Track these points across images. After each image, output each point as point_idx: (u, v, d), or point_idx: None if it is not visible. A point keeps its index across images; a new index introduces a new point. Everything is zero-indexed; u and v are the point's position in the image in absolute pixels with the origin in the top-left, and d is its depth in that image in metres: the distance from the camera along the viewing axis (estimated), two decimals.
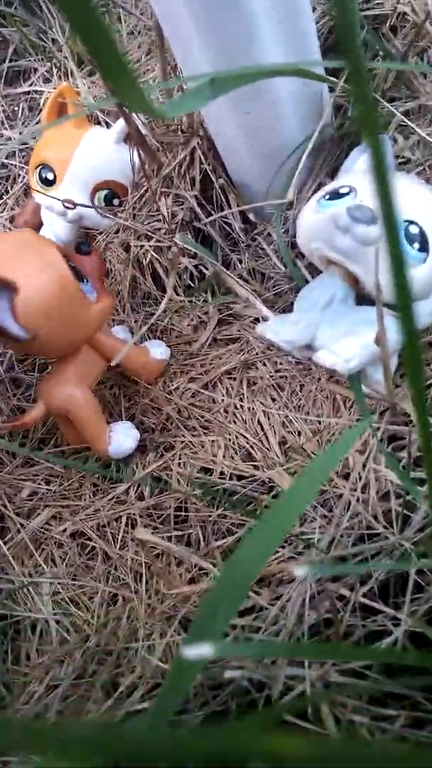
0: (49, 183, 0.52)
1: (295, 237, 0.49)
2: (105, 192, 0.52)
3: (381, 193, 0.16)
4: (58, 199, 0.51)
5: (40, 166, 0.53)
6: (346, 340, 0.39)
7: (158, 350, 0.52)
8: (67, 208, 0.51)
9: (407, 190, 0.41)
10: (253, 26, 0.38)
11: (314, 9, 0.56)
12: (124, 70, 0.20)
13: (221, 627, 0.24)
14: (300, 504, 0.25)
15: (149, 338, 0.55)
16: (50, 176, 0.52)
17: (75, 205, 0.51)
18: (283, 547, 0.44)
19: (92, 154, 0.51)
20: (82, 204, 0.51)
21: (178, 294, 0.55)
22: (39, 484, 0.55)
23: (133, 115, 0.51)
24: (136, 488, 0.52)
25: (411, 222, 0.40)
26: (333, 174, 0.51)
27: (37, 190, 0.53)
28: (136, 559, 0.48)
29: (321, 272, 0.46)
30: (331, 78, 0.46)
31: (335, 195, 0.42)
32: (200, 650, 0.17)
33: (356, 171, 0.45)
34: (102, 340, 0.50)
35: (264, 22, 0.38)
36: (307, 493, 0.25)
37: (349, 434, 0.25)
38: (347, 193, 0.42)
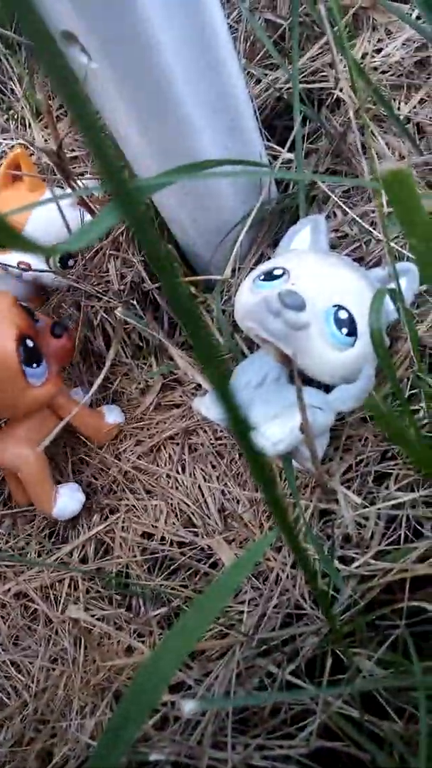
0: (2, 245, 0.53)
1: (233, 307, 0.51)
2: (58, 255, 0.54)
3: None
4: (10, 264, 0.52)
5: None
6: (275, 422, 0.41)
7: (112, 415, 0.53)
8: (23, 270, 0.52)
9: (337, 274, 0.43)
10: (187, 120, 0.39)
11: (251, 74, 0.58)
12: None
13: (146, 708, 0.25)
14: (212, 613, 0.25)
15: (101, 400, 0.56)
16: None
17: (30, 268, 0.52)
18: (218, 618, 0.45)
19: (46, 221, 0.52)
20: (38, 270, 0.53)
21: (127, 357, 0.56)
22: None
23: (80, 182, 0.52)
24: (80, 550, 0.52)
25: (340, 307, 0.41)
26: (275, 244, 0.52)
27: None
28: (76, 624, 0.49)
29: (258, 346, 0.47)
30: (267, 163, 0.47)
31: (269, 276, 0.43)
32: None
33: (292, 250, 0.46)
34: (59, 402, 0.51)
35: (198, 116, 0.40)
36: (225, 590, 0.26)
37: (258, 545, 0.26)
38: (281, 275, 0.43)
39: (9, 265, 0.54)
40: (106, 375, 0.58)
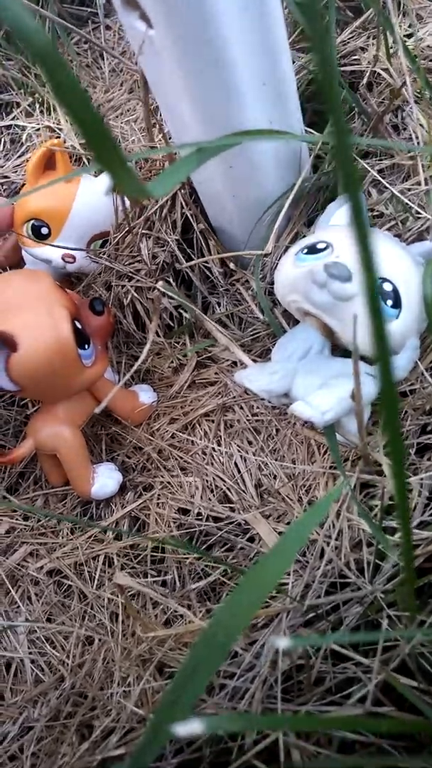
0: (42, 237, 0.53)
1: (271, 284, 0.51)
2: (98, 241, 0.54)
3: (363, 257, 0.17)
4: (59, 246, 0.52)
5: (33, 220, 0.53)
6: (322, 392, 0.41)
7: (146, 395, 0.53)
8: (68, 262, 0.52)
9: (380, 248, 0.43)
10: (238, 91, 0.40)
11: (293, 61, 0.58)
12: (122, 164, 0.21)
13: (202, 683, 0.25)
14: (283, 563, 0.26)
15: (133, 379, 0.56)
16: (44, 231, 0.53)
17: (75, 259, 0.52)
18: None
19: (88, 210, 0.53)
20: (77, 248, 0.53)
21: (159, 336, 0.56)
22: (17, 519, 0.55)
23: None
24: (114, 527, 0.52)
25: (384, 279, 0.42)
26: (309, 224, 0.52)
27: (29, 242, 0.54)
28: (112, 600, 0.49)
29: (296, 320, 0.48)
30: (310, 135, 0.48)
31: (313, 250, 0.44)
32: (191, 727, 0.18)
33: (333, 226, 0.47)
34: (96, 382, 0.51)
35: (249, 88, 0.40)
36: (289, 551, 0.26)
37: (329, 495, 0.27)
38: (324, 249, 0.43)
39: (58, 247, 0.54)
40: (137, 354, 0.59)
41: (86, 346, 0.46)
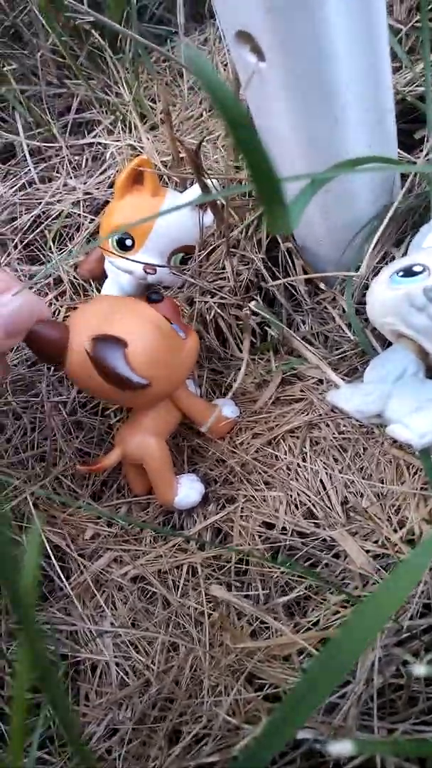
0: (126, 248, 0.55)
1: (359, 303, 0.52)
2: (180, 255, 0.55)
3: None
4: (140, 262, 0.53)
5: (117, 232, 0.55)
6: (420, 414, 0.41)
7: (229, 409, 0.54)
8: (149, 273, 0.54)
9: None
10: (343, 119, 0.41)
11: None
12: (282, 204, 0.22)
13: (314, 707, 0.26)
14: (401, 593, 0.26)
15: (214, 394, 0.57)
16: (129, 242, 0.55)
17: (155, 270, 0.53)
18: (345, 608, 0.45)
19: (172, 224, 0.54)
20: (160, 264, 0.54)
21: (241, 351, 0.57)
22: (101, 526, 0.57)
23: (208, 181, 0.54)
24: (197, 538, 0.53)
25: None
26: (398, 244, 0.53)
27: (113, 254, 0.56)
28: (196, 608, 0.50)
29: (386, 340, 0.48)
30: (409, 162, 0.49)
31: (409, 273, 0.44)
32: (343, 748, 0.19)
33: (428, 248, 0.47)
34: (178, 394, 0.52)
35: (353, 116, 0.41)
36: (407, 582, 0.27)
37: None
38: (421, 272, 0.44)
39: (137, 262, 0.56)
40: (218, 369, 0.60)
41: (171, 323, 0.48)
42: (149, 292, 0.51)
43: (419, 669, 0.22)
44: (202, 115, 0.77)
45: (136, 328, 0.46)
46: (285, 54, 0.37)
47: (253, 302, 0.49)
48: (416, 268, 0.44)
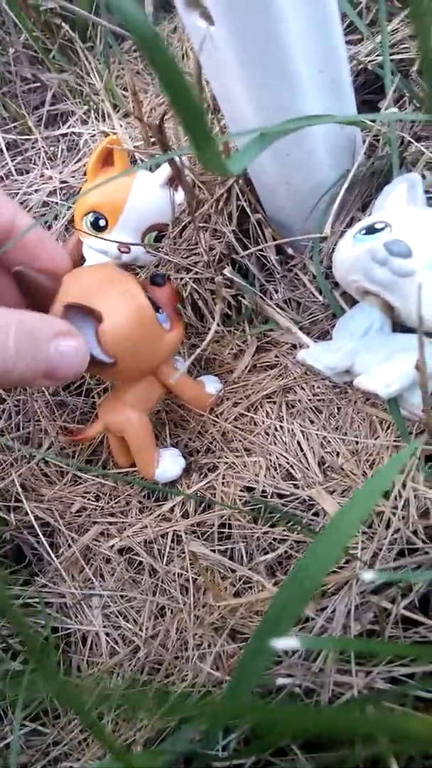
0: (100, 229, 0.56)
1: (329, 268, 0.53)
2: (154, 234, 0.56)
3: None
4: (113, 241, 0.54)
5: (90, 213, 0.56)
6: (386, 366, 0.42)
7: (213, 385, 0.55)
8: (123, 252, 0.54)
9: None
10: (296, 79, 0.42)
11: None
12: (211, 141, 0.23)
13: (282, 634, 0.27)
14: (353, 523, 0.27)
15: (195, 368, 0.58)
16: (102, 222, 0.56)
17: (129, 249, 0.54)
18: None
19: (143, 202, 0.55)
20: (134, 243, 0.55)
21: (218, 325, 0.58)
22: (88, 500, 0.58)
23: (177, 158, 0.54)
24: (181, 507, 0.54)
25: None
26: (364, 209, 0.54)
27: (87, 235, 0.57)
28: (182, 574, 0.51)
29: (355, 301, 0.49)
30: (368, 121, 0.49)
31: (371, 230, 0.45)
32: (289, 643, 0.19)
33: (389, 207, 0.48)
34: (164, 369, 0.53)
35: (306, 76, 0.42)
36: (359, 512, 0.28)
37: (398, 456, 0.28)
38: (382, 228, 0.45)
39: (112, 241, 0.57)
40: (197, 344, 0.61)
41: (159, 311, 0.48)
42: (153, 274, 0.51)
43: (367, 575, 0.23)
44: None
45: (116, 305, 0.46)
46: (232, 16, 0.37)
47: (227, 269, 0.50)
48: (378, 225, 0.45)
